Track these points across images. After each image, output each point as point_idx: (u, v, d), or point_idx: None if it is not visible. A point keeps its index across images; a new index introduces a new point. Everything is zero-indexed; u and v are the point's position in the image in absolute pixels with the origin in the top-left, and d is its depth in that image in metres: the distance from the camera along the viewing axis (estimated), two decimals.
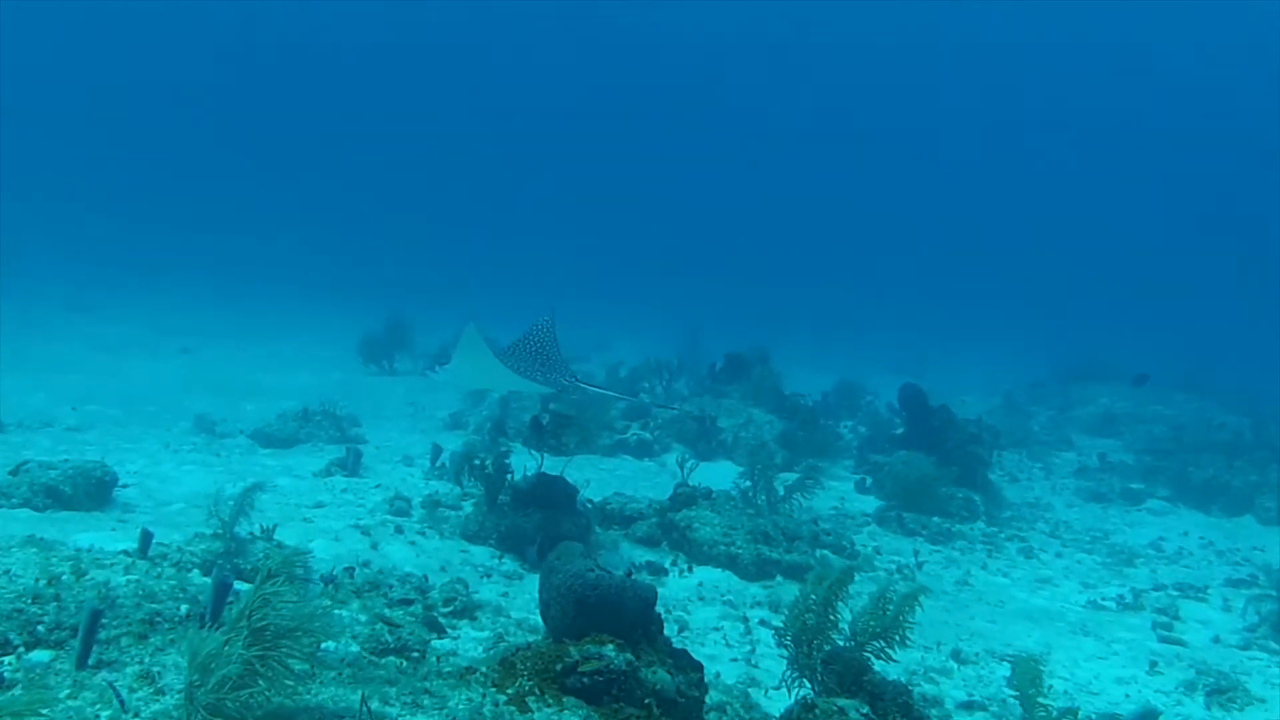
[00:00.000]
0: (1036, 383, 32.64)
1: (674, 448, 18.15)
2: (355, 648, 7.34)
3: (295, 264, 52.81)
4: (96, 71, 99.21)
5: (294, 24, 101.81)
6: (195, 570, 8.94)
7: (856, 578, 12.20)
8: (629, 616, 6.70)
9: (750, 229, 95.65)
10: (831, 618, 7.03)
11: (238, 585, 8.20)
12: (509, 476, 11.69)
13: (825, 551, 12.76)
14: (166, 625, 6.93)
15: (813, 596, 7.11)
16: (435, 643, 7.91)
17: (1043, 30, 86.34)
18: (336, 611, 8.17)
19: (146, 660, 6.22)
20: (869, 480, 16.99)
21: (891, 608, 7.05)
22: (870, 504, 16.20)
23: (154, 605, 7.19)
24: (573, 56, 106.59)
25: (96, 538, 9.92)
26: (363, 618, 8.14)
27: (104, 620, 6.66)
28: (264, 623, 5.26)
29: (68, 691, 5.69)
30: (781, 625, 7.25)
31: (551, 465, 11.97)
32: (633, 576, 7.04)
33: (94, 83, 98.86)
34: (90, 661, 6.02)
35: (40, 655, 6.28)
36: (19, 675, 5.89)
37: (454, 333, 26.89)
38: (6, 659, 6.17)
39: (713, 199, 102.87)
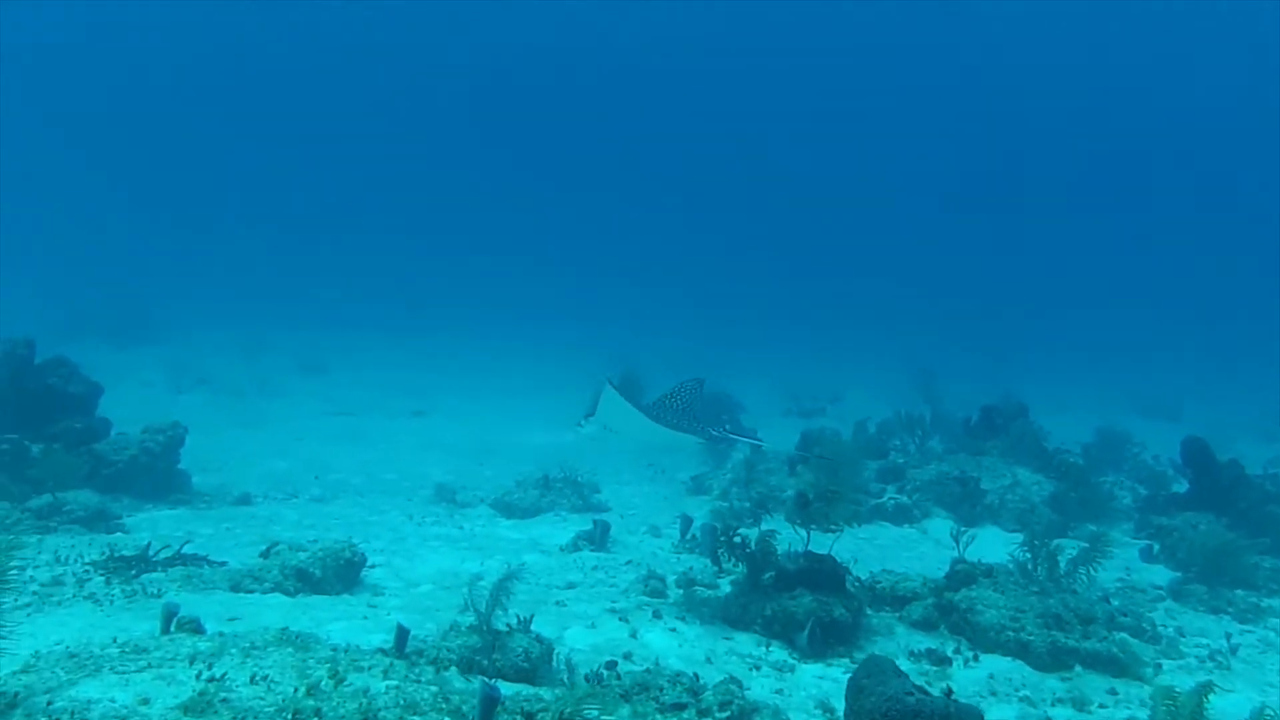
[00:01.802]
0: None
1: (934, 512, 16.94)
2: None
3: (520, 315, 53.15)
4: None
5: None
6: (453, 668, 8.36)
7: (1165, 666, 10.95)
8: None
9: (973, 261, 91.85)
10: None
11: (501, 687, 7.59)
12: (773, 559, 10.80)
13: (1124, 635, 11.37)
14: None
15: None
16: None
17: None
18: (604, 718, 7.44)
19: None
20: (1155, 547, 15.42)
21: None
22: (1159, 574, 14.65)
23: (416, 718, 6.57)
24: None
25: (349, 628, 9.51)
26: None
27: None
28: None
29: None
30: None
31: (816, 542, 11.05)
32: (953, 695, 6.05)
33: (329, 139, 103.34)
34: None
35: None
36: None
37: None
38: None
39: (935, 237, 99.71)
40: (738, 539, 11.18)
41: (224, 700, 6.36)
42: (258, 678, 6.90)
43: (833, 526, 10.83)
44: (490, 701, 6.31)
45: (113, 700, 6.36)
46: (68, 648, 7.58)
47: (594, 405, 11.78)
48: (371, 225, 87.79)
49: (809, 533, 10.97)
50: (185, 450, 16.25)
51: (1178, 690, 8.03)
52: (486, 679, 6.57)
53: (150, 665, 7.18)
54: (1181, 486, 18.57)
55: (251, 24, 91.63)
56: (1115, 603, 12.51)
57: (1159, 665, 10.86)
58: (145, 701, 6.32)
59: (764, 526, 11.62)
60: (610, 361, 27.54)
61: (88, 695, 6.53)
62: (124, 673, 6.99)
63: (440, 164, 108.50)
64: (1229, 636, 12.08)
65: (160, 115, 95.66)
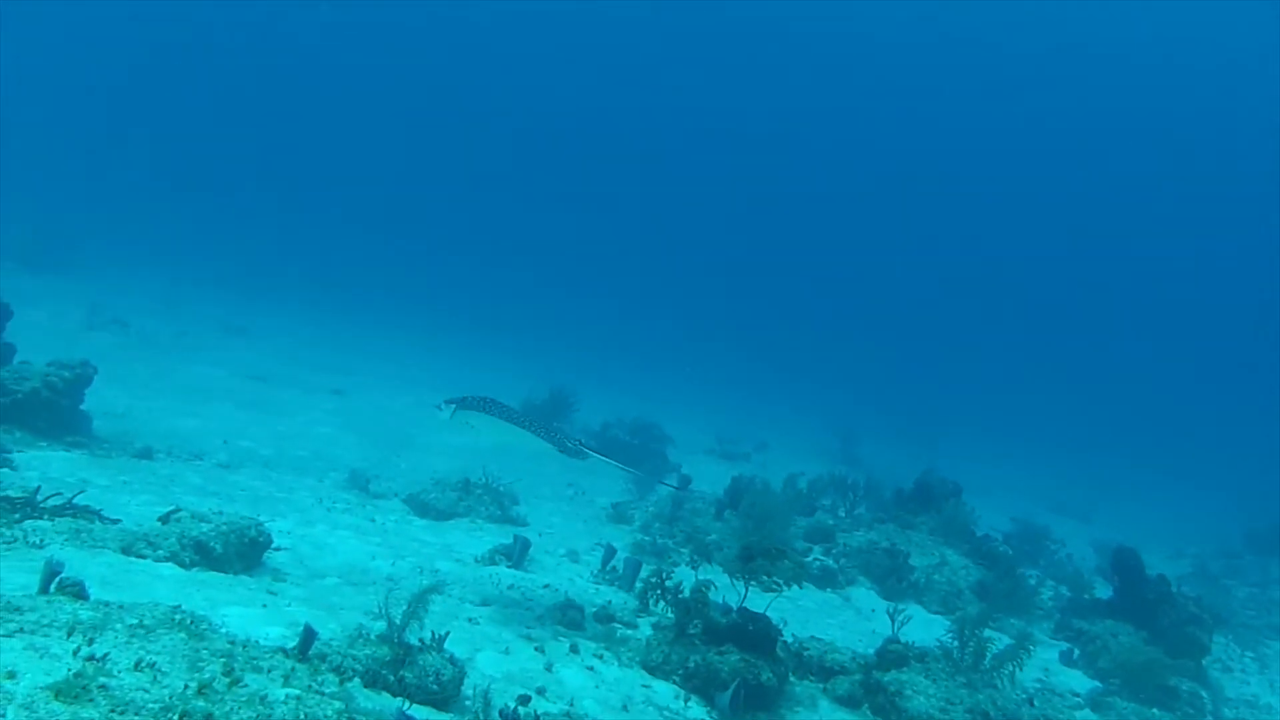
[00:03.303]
0: (1230, 552, 29.75)
1: (859, 580, 16.39)
2: None
3: (459, 309, 52.07)
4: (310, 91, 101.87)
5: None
6: (357, 680, 7.62)
7: None
8: None
9: (903, 326, 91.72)
10: None
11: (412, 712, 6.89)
12: (706, 610, 10.15)
13: None
14: None
15: None
16: None
17: None
18: None
19: None
20: (1076, 652, 15.05)
21: None
22: (1078, 679, 14.30)
23: None
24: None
25: (245, 615, 8.72)
26: None
27: None
28: None
29: None
30: None
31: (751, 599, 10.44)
32: None
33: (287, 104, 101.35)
34: None
35: None
36: None
37: (615, 413, 25.85)
38: None
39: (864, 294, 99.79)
40: (670, 582, 10.55)
41: (102, 687, 5.59)
42: (144, 664, 6.13)
43: (774, 585, 10.22)
44: None
45: None
46: None
47: (459, 402, 11.33)
48: (332, 203, 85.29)
49: (747, 588, 10.36)
50: (90, 391, 15.27)
51: None
52: (403, 709, 5.84)
53: (23, 629, 6.38)
54: (1101, 590, 18.34)
55: None
56: (1036, 705, 12.08)
57: None
58: (11, 675, 5.52)
59: (700, 574, 10.98)
60: (544, 377, 26.56)
61: None
62: None
63: (407, 151, 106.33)
64: None
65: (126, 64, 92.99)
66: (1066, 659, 15.05)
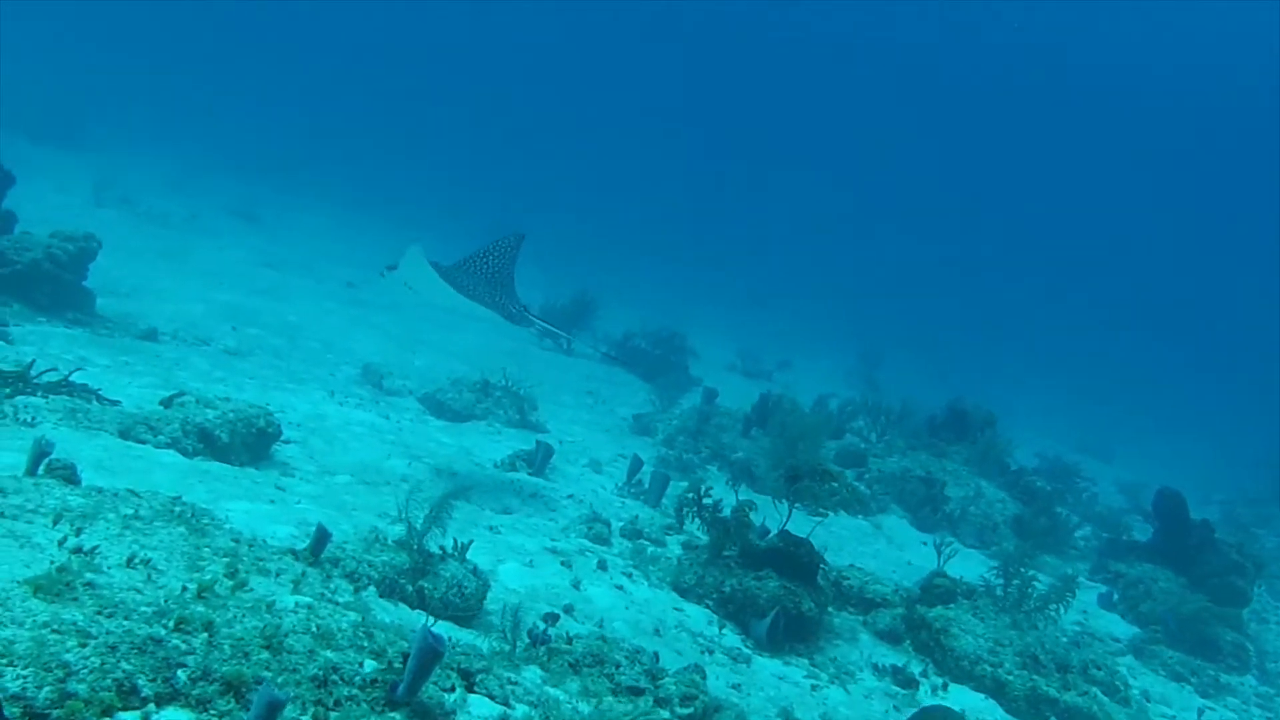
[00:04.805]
0: (1258, 499, 28.96)
1: (891, 508, 15.68)
2: None
3: (482, 213, 50.77)
4: None
5: None
6: (373, 588, 6.94)
7: None
8: None
9: (935, 264, 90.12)
10: None
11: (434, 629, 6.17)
12: (747, 532, 9.42)
13: (1096, 690, 10.26)
14: (345, 691, 4.87)
15: None
16: None
17: None
18: (550, 691, 6.07)
19: None
20: (1115, 595, 14.42)
21: None
22: (1117, 624, 13.71)
23: (330, 653, 5.11)
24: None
25: (251, 510, 8.03)
26: (584, 709, 6.05)
27: (268, 670, 4.66)
28: None
29: None
30: None
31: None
32: None
33: None
34: None
35: (175, 718, 4.24)
36: None
37: (637, 324, 25.06)
38: (126, 718, 4.13)
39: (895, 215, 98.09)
40: (708, 500, 9.82)
41: (89, 585, 4.85)
42: (137, 560, 5.39)
43: (820, 511, 9.50)
44: (431, 656, 4.88)
45: None
46: None
47: (398, 261, 10.41)
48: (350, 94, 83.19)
49: (790, 510, 9.65)
50: (94, 267, 14.48)
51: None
52: (429, 627, 5.12)
53: (3, 514, 5.65)
54: (1138, 531, 17.75)
55: None
56: (1080, 649, 11.47)
57: None
58: None
59: (741, 494, 10.28)
60: (567, 283, 25.64)
61: None
62: None
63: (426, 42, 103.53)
64: (1201, 713, 11.08)
65: None
66: (1105, 602, 14.47)
